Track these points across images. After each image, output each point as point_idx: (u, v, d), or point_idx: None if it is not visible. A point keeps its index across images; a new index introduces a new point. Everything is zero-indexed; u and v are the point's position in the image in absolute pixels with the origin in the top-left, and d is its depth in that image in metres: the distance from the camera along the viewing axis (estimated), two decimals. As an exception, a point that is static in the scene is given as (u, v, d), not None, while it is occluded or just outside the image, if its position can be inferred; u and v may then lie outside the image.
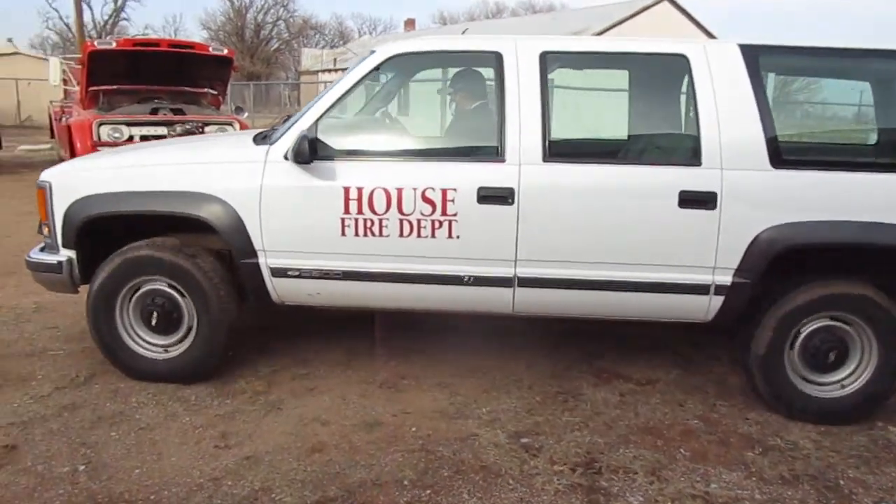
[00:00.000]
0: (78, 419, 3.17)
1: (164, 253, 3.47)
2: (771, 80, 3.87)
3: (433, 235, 3.36)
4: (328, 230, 3.42)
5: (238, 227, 3.43)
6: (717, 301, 3.36)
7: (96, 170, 3.75)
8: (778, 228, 3.23)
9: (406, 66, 3.92)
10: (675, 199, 3.24)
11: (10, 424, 3.12)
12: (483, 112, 3.74)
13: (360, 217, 3.41)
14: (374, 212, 3.39)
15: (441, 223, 3.35)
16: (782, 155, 3.25)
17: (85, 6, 27.21)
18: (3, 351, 3.98)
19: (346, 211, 3.40)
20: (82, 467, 2.79)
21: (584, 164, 3.39)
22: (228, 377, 3.64)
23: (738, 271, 3.29)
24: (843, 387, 3.40)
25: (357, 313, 4.16)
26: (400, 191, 3.35)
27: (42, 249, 3.70)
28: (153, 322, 3.54)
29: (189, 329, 3.54)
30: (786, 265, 3.31)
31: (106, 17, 42.37)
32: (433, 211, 3.34)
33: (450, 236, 3.37)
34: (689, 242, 3.29)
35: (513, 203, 3.30)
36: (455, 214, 3.34)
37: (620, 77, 4.05)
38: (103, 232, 3.58)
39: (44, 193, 3.58)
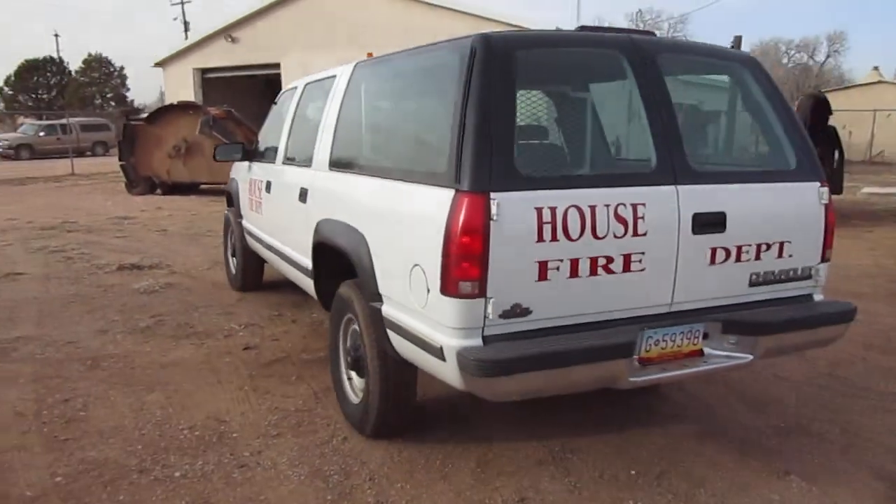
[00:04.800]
0: None
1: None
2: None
3: (270, 214, 5.24)
4: (247, 205, 5.87)
5: (237, 201, 6.31)
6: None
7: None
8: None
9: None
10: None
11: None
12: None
13: (252, 198, 5.67)
14: (258, 196, 5.44)
15: (280, 209, 4.95)
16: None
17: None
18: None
19: (250, 193, 5.74)
20: None
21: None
22: None
23: None
24: None
25: None
26: (260, 182, 5.41)
27: None
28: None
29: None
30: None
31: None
32: (278, 200, 4.99)
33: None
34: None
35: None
36: (281, 204, 4.88)
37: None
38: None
39: None
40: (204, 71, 23.91)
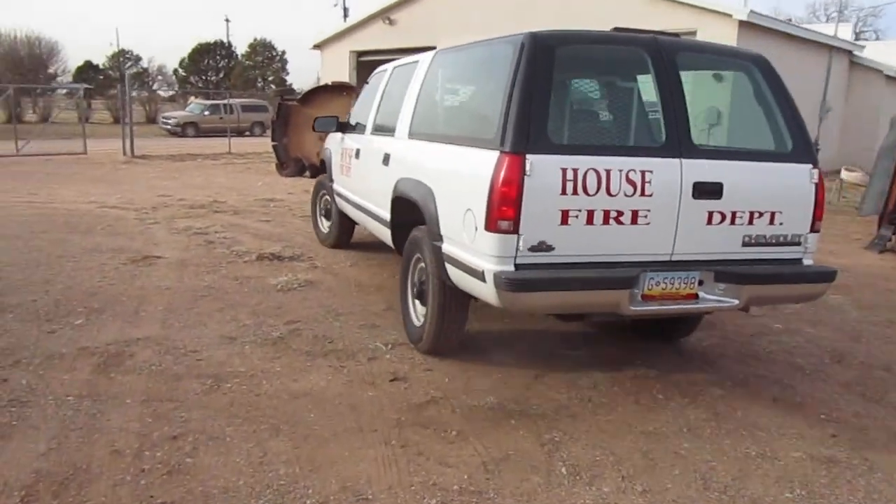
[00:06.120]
0: None
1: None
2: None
3: (358, 177, 5.94)
4: (339, 170, 6.60)
5: (329, 168, 7.06)
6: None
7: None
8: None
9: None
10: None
11: None
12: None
13: (343, 164, 6.38)
14: (348, 162, 6.14)
15: (367, 172, 5.61)
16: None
17: None
18: None
19: (341, 160, 6.45)
20: None
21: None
22: None
23: None
24: None
25: None
26: (350, 150, 6.13)
27: None
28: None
29: None
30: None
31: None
32: (366, 164, 5.68)
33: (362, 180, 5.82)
34: None
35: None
36: (368, 168, 5.58)
37: None
38: None
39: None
40: (359, 54, 23.68)
